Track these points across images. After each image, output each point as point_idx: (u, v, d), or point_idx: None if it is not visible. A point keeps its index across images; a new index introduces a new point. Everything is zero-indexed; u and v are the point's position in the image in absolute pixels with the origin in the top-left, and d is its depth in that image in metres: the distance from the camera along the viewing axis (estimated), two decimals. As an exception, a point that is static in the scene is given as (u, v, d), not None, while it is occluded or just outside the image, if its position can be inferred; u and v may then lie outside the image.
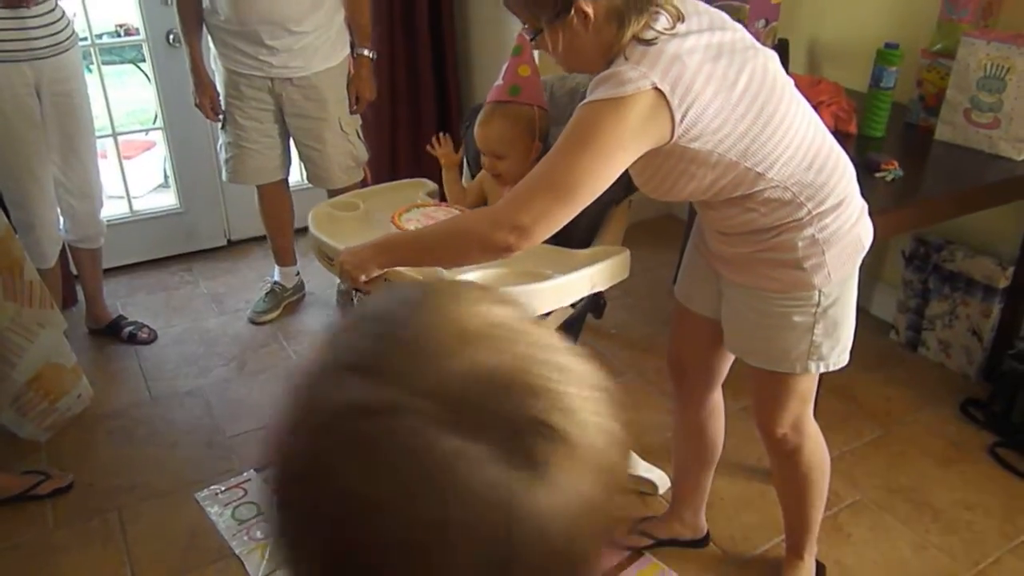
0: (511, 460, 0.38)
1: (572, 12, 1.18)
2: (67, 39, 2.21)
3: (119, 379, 2.45)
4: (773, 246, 1.31)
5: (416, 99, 3.26)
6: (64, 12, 2.22)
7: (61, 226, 2.43)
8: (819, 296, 1.34)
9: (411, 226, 1.46)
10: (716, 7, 1.28)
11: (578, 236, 1.53)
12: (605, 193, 1.53)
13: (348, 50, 2.47)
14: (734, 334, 1.47)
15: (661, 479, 1.98)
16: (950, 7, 2.14)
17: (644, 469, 1.95)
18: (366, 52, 2.47)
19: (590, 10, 1.17)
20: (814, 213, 1.28)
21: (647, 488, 1.98)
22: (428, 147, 1.69)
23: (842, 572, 1.79)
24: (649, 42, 1.17)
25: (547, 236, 1.23)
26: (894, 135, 2.16)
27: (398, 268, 1.35)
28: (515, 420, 0.39)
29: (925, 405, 2.32)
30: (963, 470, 2.08)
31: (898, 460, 2.12)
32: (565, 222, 1.22)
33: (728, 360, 1.63)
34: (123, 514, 1.93)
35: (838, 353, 1.42)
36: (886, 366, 2.46)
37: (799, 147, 1.25)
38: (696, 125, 1.17)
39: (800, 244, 1.29)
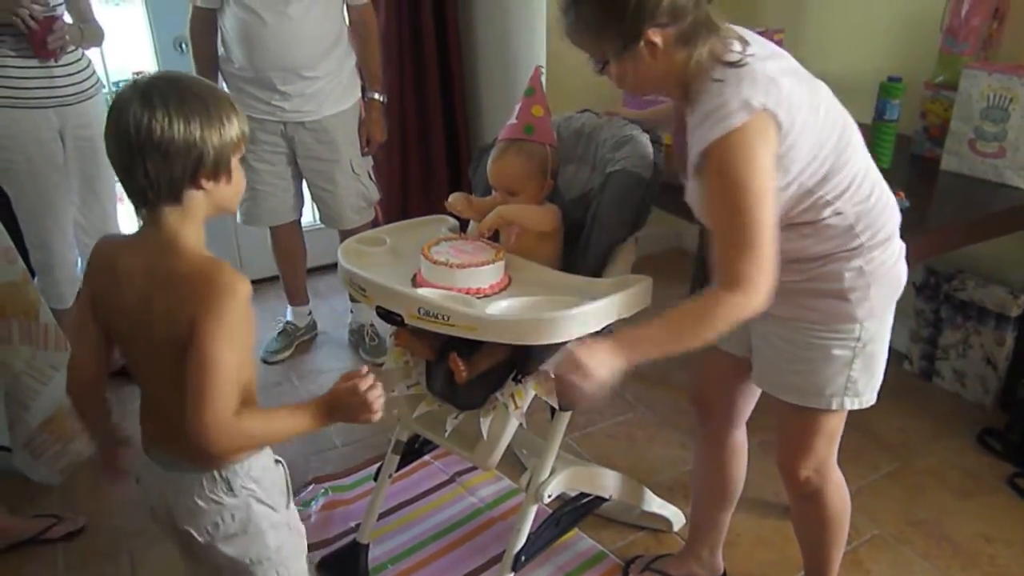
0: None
1: (641, 43, 1.16)
2: (91, 87, 2.30)
3: (133, 420, 2.42)
4: (819, 276, 1.29)
5: (426, 141, 3.31)
6: (90, 61, 2.31)
7: (78, 267, 2.47)
8: (860, 330, 1.32)
9: (441, 258, 1.47)
10: None
11: (585, 274, 1.53)
12: (608, 234, 1.53)
13: (359, 94, 2.52)
14: (766, 368, 1.43)
15: (676, 516, 1.95)
16: (951, 40, 2.17)
17: (658, 505, 1.92)
18: (376, 96, 2.52)
19: (659, 39, 1.15)
20: (867, 245, 1.27)
21: (662, 525, 1.96)
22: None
23: (863, 609, 1.76)
24: (737, 64, 1.15)
25: (772, 280, 1.16)
26: (900, 166, 2.17)
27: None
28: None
29: (941, 436, 2.29)
30: (982, 502, 2.05)
31: (916, 493, 2.09)
32: (775, 258, 1.17)
33: (753, 397, 1.60)
34: (134, 557, 1.92)
35: (872, 389, 1.39)
36: (901, 397, 2.44)
37: (864, 177, 1.26)
38: (793, 148, 1.16)
39: (847, 275, 1.28)
